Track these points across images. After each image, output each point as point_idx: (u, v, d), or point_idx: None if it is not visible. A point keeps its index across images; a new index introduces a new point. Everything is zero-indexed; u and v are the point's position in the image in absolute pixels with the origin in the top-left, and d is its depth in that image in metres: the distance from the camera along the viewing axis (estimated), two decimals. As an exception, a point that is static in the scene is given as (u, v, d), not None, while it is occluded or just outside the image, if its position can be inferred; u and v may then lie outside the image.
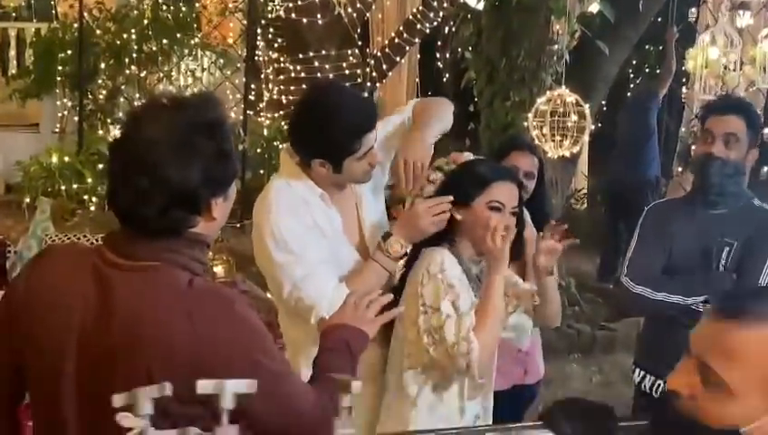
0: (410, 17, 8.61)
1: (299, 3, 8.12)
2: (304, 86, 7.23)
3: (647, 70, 10.61)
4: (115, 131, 8.28)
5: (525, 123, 5.13)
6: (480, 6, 5.74)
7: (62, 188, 8.00)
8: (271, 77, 8.57)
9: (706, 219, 2.83)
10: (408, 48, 8.75)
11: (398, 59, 8.76)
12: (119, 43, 8.84)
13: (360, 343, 1.91)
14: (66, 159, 8.23)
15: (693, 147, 7.50)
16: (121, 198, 1.59)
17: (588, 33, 5.63)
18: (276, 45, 8.37)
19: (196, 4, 9.59)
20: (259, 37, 8.68)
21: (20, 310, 1.64)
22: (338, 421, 1.28)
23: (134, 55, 8.78)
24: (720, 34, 6.11)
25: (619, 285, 2.91)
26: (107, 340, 1.54)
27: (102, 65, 8.99)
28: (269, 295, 2.72)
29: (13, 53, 9.66)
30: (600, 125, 6.71)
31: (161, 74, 8.99)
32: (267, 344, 1.63)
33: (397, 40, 8.61)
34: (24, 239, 4.93)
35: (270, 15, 8.58)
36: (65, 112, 9.34)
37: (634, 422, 1.66)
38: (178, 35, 8.96)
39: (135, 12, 9.04)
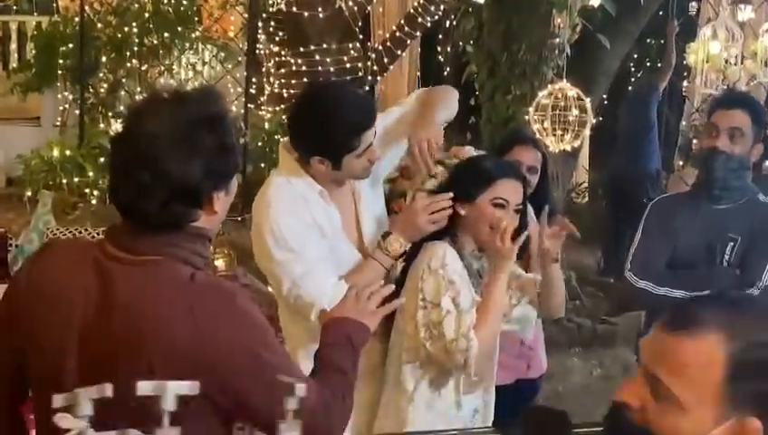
0: (411, 10, 8.57)
1: (300, -4, 8.11)
2: (305, 80, 7.23)
3: (648, 64, 10.59)
4: (116, 125, 8.28)
5: (526, 117, 5.12)
6: (481, 0, 5.73)
7: (64, 181, 7.99)
8: (272, 70, 8.55)
9: (711, 214, 2.83)
10: (409, 41, 8.72)
11: (399, 52, 8.73)
12: (120, 36, 8.81)
13: (361, 337, 1.90)
14: (67, 152, 8.22)
15: (694, 141, 7.52)
16: (123, 192, 1.59)
17: (589, 27, 5.61)
18: (277, 39, 8.35)
19: (197, -2, 9.59)
20: (260, 30, 8.65)
21: (21, 308, 1.63)
22: (282, 425, 1.23)
23: (135, 49, 8.76)
24: (721, 28, 6.09)
25: (623, 280, 2.91)
26: (108, 334, 1.54)
27: (103, 59, 8.96)
28: (270, 289, 2.72)
29: (14, 46, 9.64)
30: (601, 119, 6.70)
31: (162, 68, 8.97)
32: (269, 338, 1.62)
33: (398, 33, 8.58)
34: (25, 233, 4.94)
35: (271, 9, 8.56)
36: (66, 106, 9.31)
37: (590, 428, 1.65)
38: (179, 29, 8.94)
39: (136, 5, 9.00)
